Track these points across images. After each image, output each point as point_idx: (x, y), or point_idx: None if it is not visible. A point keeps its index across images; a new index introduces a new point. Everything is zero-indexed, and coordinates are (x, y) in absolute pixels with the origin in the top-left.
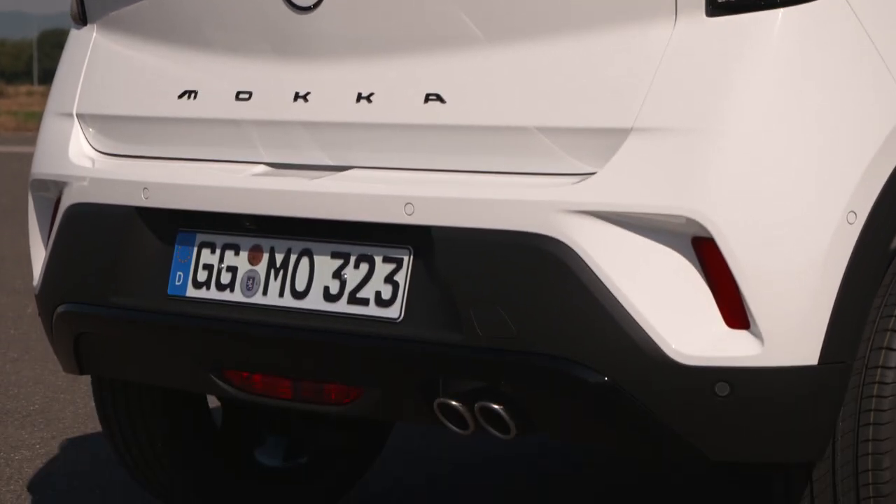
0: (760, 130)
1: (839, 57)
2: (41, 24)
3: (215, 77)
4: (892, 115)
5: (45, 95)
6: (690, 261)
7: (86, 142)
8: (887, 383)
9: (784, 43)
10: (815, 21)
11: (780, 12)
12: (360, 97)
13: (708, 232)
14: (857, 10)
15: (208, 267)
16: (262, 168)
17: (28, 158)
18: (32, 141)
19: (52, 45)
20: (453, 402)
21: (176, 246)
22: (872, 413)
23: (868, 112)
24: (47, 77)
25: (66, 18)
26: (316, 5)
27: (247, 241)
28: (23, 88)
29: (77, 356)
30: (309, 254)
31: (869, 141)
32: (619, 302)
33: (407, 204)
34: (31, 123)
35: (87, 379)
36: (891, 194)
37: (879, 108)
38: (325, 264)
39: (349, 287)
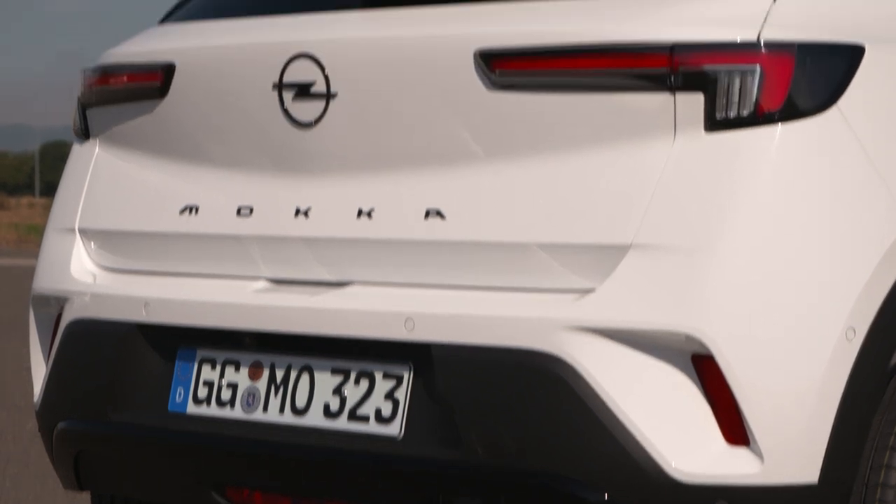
0: (759, 248)
1: (837, 173)
2: (44, 136)
3: (216, 193)
4: (889, 231)
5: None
6: (690, 377)
7: (87, 257)
8: (888, 502)
9: (782, 159)
10: (813, 138)
11: (778, 128)
12: (360, 213)
13: (708, 349)
14: (854, 127)
15: (208, 383)
16: (262, 284)
17: (29, 271)
18: (34, 254)
19: (53, 158)
20: None
21: (177, 362)
22: None
23: (865, 228)
24: (49, 189)
25: (68, 131)
26: (317, 121)
27: (247, 357)
28: (24, 200)
29: (77, 473)
30: (309, 370)
31: (867, 257)
32: (619, 420)
33: (407, 320)
34: (32, 236)
35: (86, 496)
36: (889, 311)
37: (876, 224)
38: (326, 381)
39: (349, 404)
